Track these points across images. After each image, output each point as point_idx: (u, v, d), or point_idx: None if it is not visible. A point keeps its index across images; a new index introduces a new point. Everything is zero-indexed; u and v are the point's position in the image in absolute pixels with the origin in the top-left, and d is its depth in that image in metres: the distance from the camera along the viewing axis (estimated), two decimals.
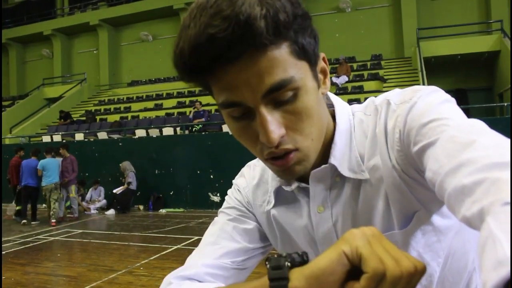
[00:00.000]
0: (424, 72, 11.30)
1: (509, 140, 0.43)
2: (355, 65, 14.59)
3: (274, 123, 0.53)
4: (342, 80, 13.16)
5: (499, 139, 0.44)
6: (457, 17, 14.33)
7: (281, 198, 0.72)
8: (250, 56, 0.50)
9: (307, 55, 0.56)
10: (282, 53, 0.52)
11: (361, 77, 13.62)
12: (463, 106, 11.75)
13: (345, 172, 0.64)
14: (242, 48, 0.49)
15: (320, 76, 0.61)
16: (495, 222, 0.32)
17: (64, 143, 10.96)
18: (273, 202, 0.73)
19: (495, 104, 12.02)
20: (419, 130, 0.54)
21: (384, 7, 15.74)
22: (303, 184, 0.67)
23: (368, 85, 12.98)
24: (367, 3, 15.82)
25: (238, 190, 0.79)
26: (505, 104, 9.52)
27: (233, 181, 0.82)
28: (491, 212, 0.34)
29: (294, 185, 0.68)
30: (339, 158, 0.64)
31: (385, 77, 13.32)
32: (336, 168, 0.64)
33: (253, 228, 0.76)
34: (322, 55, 0.62)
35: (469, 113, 12.31)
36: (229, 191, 0.81)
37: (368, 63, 14.70)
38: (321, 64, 0.61)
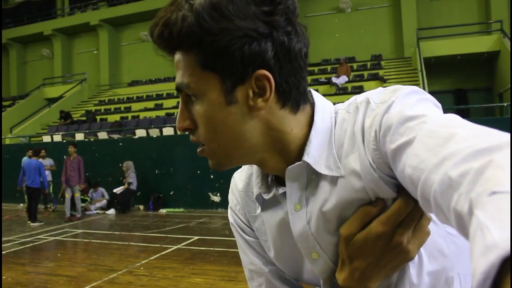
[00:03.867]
0: (424, 72, 11.30)
1: (489, 128, 0.43)
2: (355, 65, 14.58)
3: (182, 113, 0.62)
4: (342, 80, 13.17)
5: (479, 129, 0.44)
6: (457, 17, 14.34)
7: (266, 202, 0.73)
8: (176, 54, 0.61)
9: (220, 69, 0.57)
10: (189, 59, 0.59)
11: (361, 77, 13.63)
12: (463, 106, 11.78)
13: (321, 169, 0.63)
14: (166, 46, 0.60)
15: (250, 93, 0.59)
16: (483, 213, 0.32)
17: (72, 142, 11.02)
18: (260, 207, 0.74)
19: (495, 104, 12.02)
20: (396, 129, 0.54)
21: (384, 7, 15.74)
22: (280, 190, 0.68)
23: (368, 85, 12.97)
24: (367, 3, 15.83)
25: (234, 214, 0.81)
26: (505, 104, 9.50)
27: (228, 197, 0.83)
28: (478, 204, 0.34)
29: (271, 193, 0.70)
30: (314, 155, 0.63)
31: (385, 77, 13.32)
32: (311, 166, 0.64)
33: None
34: (264, 74, 0.58)
35: (469, 113, 12.29)
36: (229, 215, 0.83)
37: (368, 63, 14.69)
38: (259, 83, 0.59)
